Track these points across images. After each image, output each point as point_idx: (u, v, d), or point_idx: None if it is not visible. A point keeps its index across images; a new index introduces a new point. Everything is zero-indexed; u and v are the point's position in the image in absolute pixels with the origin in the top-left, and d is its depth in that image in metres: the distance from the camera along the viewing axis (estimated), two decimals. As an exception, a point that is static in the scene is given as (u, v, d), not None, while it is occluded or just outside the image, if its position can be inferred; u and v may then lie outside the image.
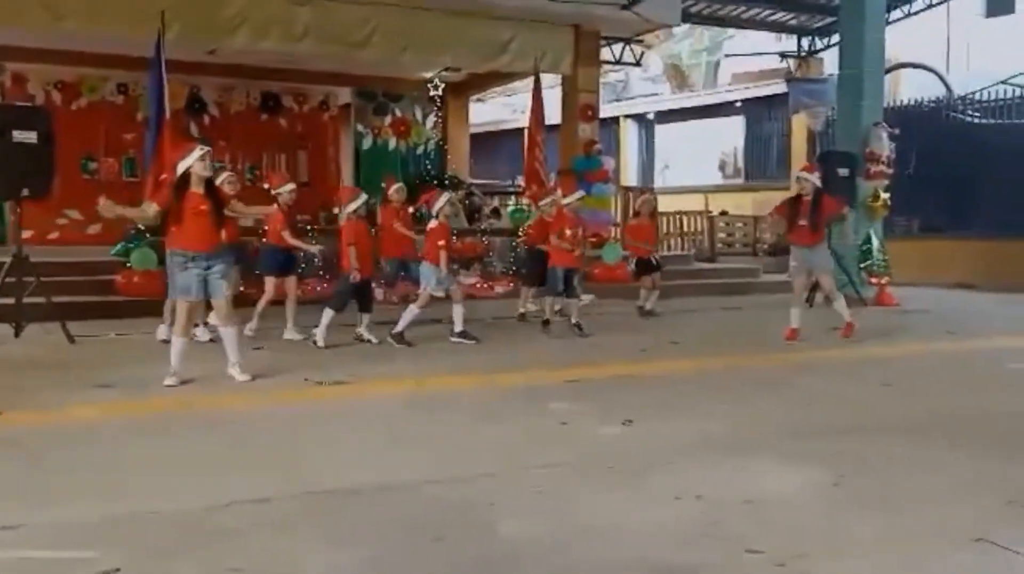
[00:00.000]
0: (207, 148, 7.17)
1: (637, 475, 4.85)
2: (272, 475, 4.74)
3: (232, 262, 8.25)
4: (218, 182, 9.51)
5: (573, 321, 10.02)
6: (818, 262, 9.60)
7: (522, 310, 11.28)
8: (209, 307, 7.85)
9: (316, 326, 9.07)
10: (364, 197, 9.43)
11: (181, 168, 7.04)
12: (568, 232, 9.97)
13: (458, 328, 9.43)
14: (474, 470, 4.91)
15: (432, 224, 9.40)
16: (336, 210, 9.63)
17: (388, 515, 4.19)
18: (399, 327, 9.20)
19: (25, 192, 9.27)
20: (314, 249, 9.48)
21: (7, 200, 10.45)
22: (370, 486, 4.58)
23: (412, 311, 9.27)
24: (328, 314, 9.02)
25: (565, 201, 10.38)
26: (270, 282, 9.63)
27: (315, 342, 8.93)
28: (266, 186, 10.12)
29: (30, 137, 9.07)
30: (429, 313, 9.63)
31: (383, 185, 10.98)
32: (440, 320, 9.87)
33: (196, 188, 7.06)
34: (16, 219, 9.94)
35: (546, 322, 10.16)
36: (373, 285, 10.03)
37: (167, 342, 8.61)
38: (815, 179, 9.57)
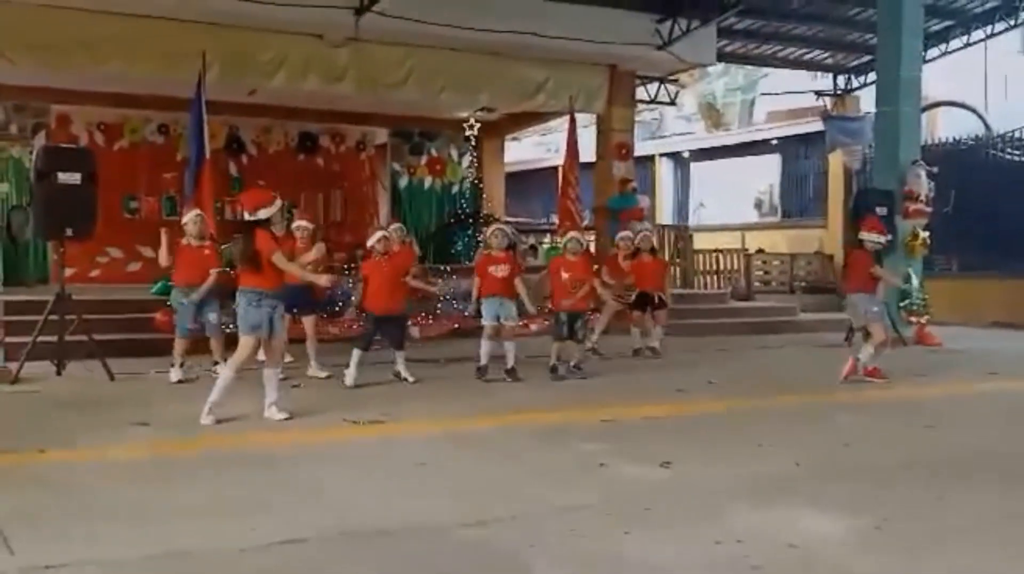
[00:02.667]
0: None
1: (676, 518, 4.79)
2: (308, 515, 4.73)
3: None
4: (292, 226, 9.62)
5: (572, 363, 9.91)
6: (881, 309, 9.72)
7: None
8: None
9: (343, 365, 9.14)
10: (380, 234, 9.47)
11: (263, 215, 7.17)
12: (565, 276, 9.78)
13: (509, 364, 9.49)
14: (509, 512, 4.87)
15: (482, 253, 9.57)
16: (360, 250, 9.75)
17: (423, 558, 4.17)
18: (481, 361, 9.44)
19: (68, 232, 9.41)
20: (323, 279, 9.36)
21: (51, 240, 10.62)
22: (405, 527, 4.56)
23: (484, 345, 9.46)
24: (355, 354, 9.04)
25: (561, 243, 10.35)
26: (306, 322, 9.72)
27: (345, 382, 8.94)
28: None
29: (74, 179, 9.22)
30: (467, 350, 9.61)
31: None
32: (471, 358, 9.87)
33: (277, 230, 7.39)
34: (59, 258, 10.08)
35: (553, 368, 9.84)
36: (408, 323, 10.04)
37: (182, 382, 8.99)
38: (884, 240, 9.81)
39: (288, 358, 9.73)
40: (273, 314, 7.18)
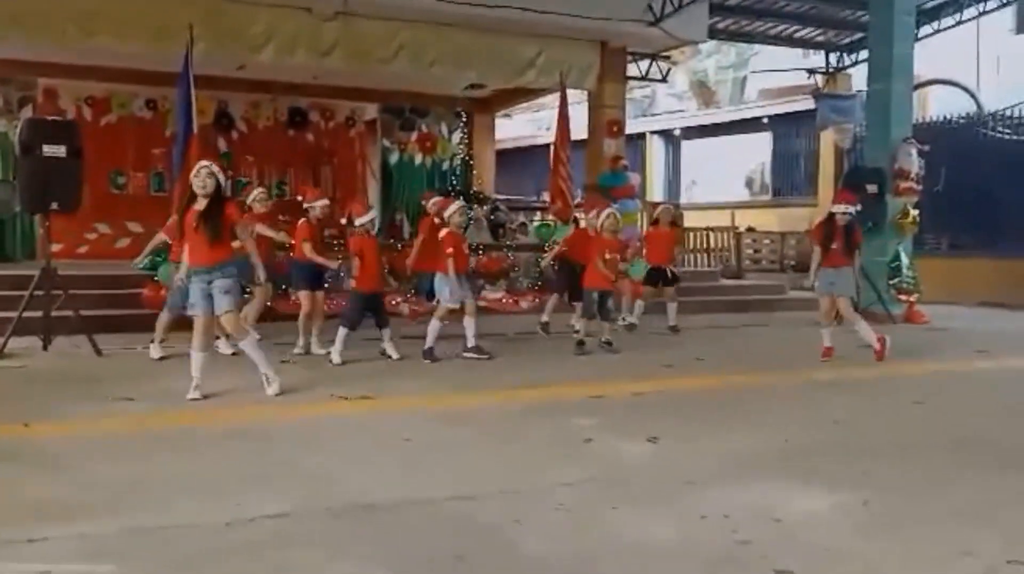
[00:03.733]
0: (205, 164, 7.19)
1: (663, 493, 4.79)
2: (294, 490, 4.72)
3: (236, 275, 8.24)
4: (249, 200, 9.61)
5: (604, 339, 9.94)
6: (841, 285, 9.56)
7: (546, 318, 11.22)
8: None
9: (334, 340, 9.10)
10: (373, 213, 9.44)
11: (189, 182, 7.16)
12: (608, 256, 9.82)
13: (470, 343, 9.37)
14: (496, 487, 4.87)
15: (442, 233, 9.39)
16: (343, 221, 9.65)
17: (410, 532, 4.16)
18: (427, 343, 9.17)
19: (54, 205, 9.33)
20: (333, 265, 9.45)
21: (36, 213, 10.53)
22: (392, 502, 4.55)
23: (434, 325, 9.23)
24: (342, 332, 9.01)
25: (598, 223, 10.16)
26: (305, 296, 9.56)
27: (331, 360, 8.91)
28: (299, 198, 10.16)
29: (59, 151, 9.13)
30: (454, 328, 9.57)
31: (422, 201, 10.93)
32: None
33: (197, 204, 7.10)
34: (45, 232, 10.00)
35: (581, 343, 9.86)
36: (396, 300, 10.00)
37: (163, 359, 8.84)
38: (854, 210, 9.68)
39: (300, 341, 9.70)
40: (210, 290, 7.05)
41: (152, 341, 9.08)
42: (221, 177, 7.22)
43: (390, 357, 9.17)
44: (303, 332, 9.55)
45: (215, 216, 7.09)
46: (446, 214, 9.55)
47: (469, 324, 9.38)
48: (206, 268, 7.06)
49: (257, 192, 9.98)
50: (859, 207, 9.96)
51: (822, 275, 9.66)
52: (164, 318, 9.07)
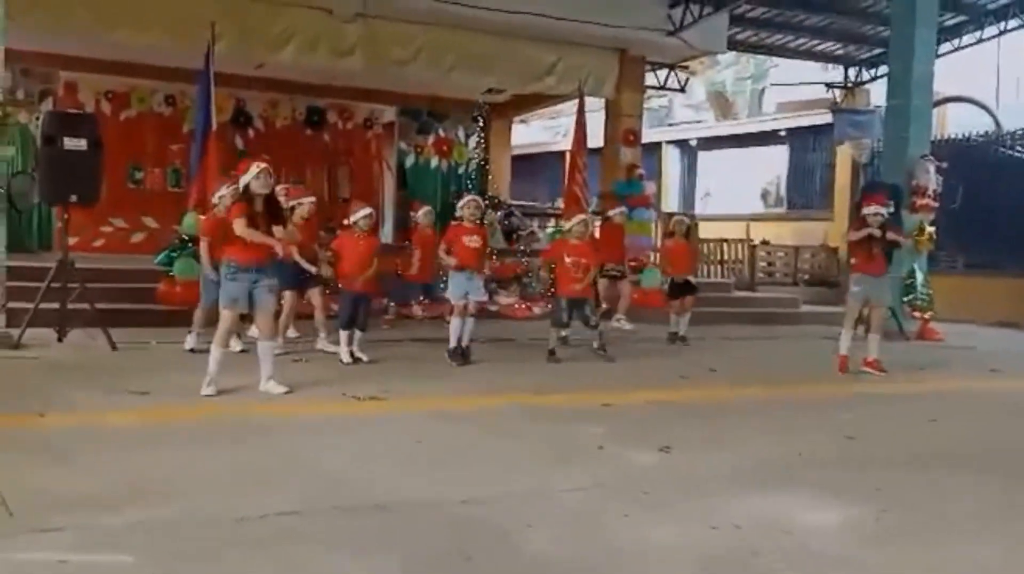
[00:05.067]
0: (264, 166, 7.20)
1: (674, 502, 4.79)
2: (304, 488, 4.73)
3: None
4: (298, 209, 9.51)
5: (595, 346, 9.85)
6: (880, 294, 9.47)
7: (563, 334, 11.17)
8: (247, 319, 7.86)
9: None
10: (367, 210, 9.25)
11: (242, 183, 7.18)
12: (568, 260, 9.62)
13: (464, 342, 9.21)
14: (507, 490, 4.87)
15: (452, 223, 9.43)
16: (345, 222, 9.57)
17: (418, 533, 4.16)
18: (451, 343, 9.13)
19: (73, 198, 9.38)
20: (313, 268, 9.34)
21: (55, 205, 10.61)
22: (400, 503, 4.55)
23: (454, 324, 9.17)
24: (341, 334, 8.97)
25: (566, 226, 10.11)
26: (287, 296, 9.38)
27: (341, 360, 8.88)
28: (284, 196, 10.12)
29: (80, 144, 9.17)
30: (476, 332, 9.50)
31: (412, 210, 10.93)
32: (474, 340, 9.81)
33: (256, 204, 7.13)
34: (63, 225, 10.05)
35: (551, 351, 9.69)
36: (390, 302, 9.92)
37: (194, 352, 8.79)
38: (886, 211, 9.54)
39: (293, 333, 9.73)
40: (253, 288, 7.10)
41: (189, 332, 9.07)
42: (272, 177, 7.27)
43: (359, 359, 8.95)
44: (282, 331, 9.24)
45: (272, 216, 7.17)
46: (458, 207, 9.55)
47: (466, 324, 9.20)
48: (256, 267, 7.11)
49: (308, 203, 9.87)
50: (892, 211, 9.82)
51: (862, 282, 9.41)
52: (200, 314, 9.03)
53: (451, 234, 9.35)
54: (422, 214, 10.68)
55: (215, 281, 7.86)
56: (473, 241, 9.28)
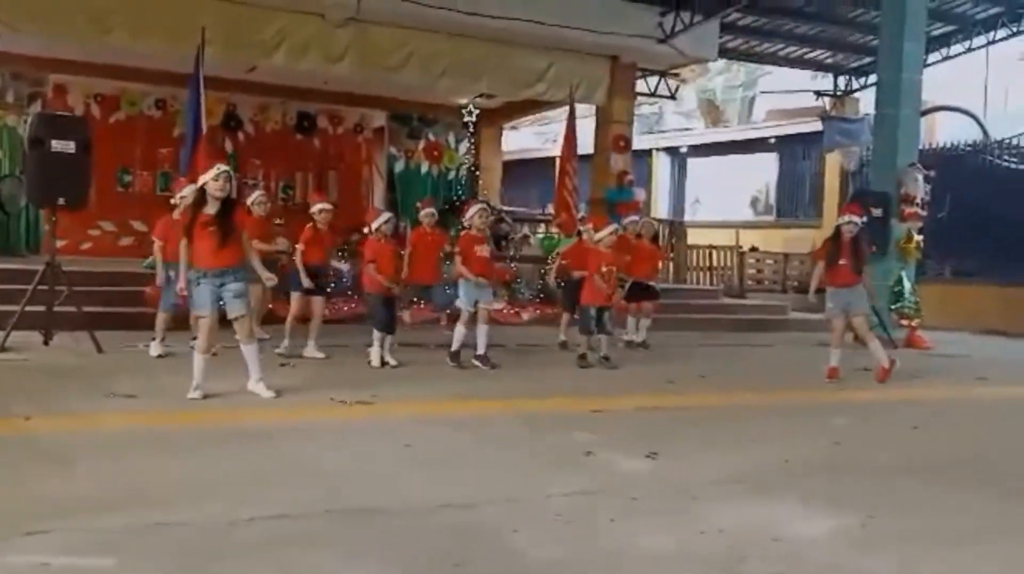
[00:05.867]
0: (225, 168, 7.19)
1: (661, 507, 4.79)
2: (293, 492, 4.71)
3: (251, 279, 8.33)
4: (248, 201, 9.57)
5: (602, 354, 9.87)
6: (856, 303, 9.46)
7: (563, 338, 11.12)
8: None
9: (339, 346, 9.15)
10: (388, 215, 9.41)
11: (200, 181, 7.17)
12: (604, 269, 9.72)
13: (479, 350, 9.33)
14: (496, 495, 4.86)
15: (462, 233, 9.52)
16: (366, 230, 9.60)
17: (409, 537, 4.15)
18: (453, 346, 9.24)
19: (61, 201, 9.33)
20: (307, 281, 9.39)
21: (42, 207, 10.57)
22: (390, 507, 4.54)
23: (458, 330, 9.26)
24: (376, 336, 9.02)
25: (597, 236, 10.06)
26: (295, 299, 9.66)
27: (370, 362, 8.94)
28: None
29: (68, 147, 9.12)
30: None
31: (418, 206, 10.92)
32: (494, 345, 9.80)
33: (210, 207, 7.06)
34: (51, 228, 10.01)
35: (582, 356, 9.81)
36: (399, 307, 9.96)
37: (161, 358, 8.87)
38: (860, 221, 9.56)
39: (262, 334, 9.69)
40: (221, 292, 7.05)
41: (153, 339, 9.10)
42: (233, 181, 7.25)
43: (387, 363, 9.10)
44: (289, 334, 9.53)
45: (228, 219, 7.10)
46: (466, 216, 9.59)
47: (481, 331, 9.35)
48: (218, 271, 7.04)
49: (257, 195, 9.91)
50: (865, 220, 9.88)
51: (834, 296, 9.46)
52: (161, 318, 9.10)
53: (463, 244, 9.41)
54: (424, 214, 10.69)
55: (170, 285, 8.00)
56: (483, 250, 9.41)
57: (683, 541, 4.24)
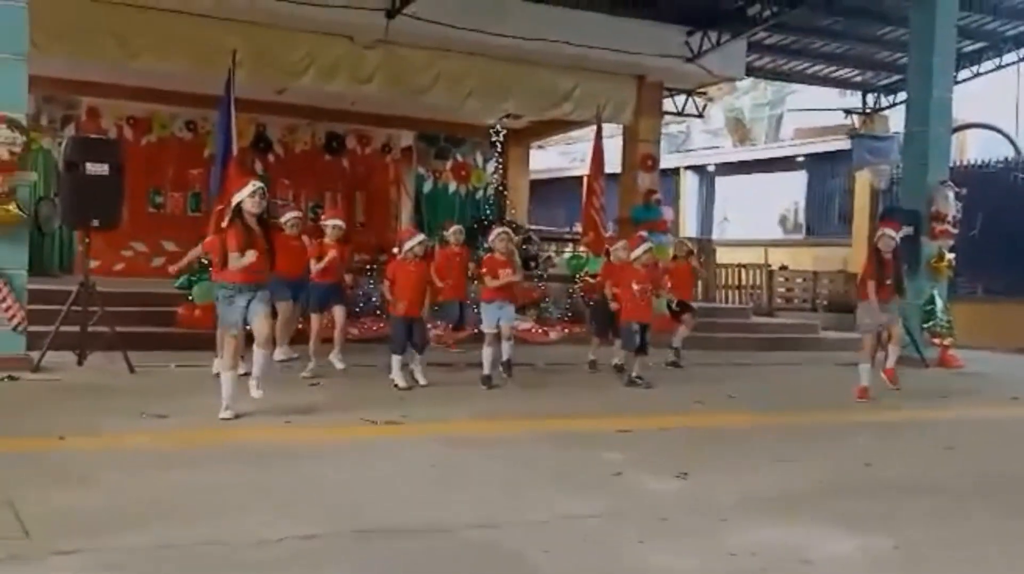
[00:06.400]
0: (260, 185, 7.25)
1: (691, 528, 4.76)
2: (322, 512, 4.73)
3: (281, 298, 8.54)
4: (283, 220, 9.69)
5: (635, 374, 9.77)
6: (893, 314, 9.42)
7: (592, 357, 11.12)
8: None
9: (366, 366, 9.23)
10: (421, 237, 9.39)
11: (235, 200, 7.19)
12: (637, 287, 9.68)
13: (504, 356, 9.42)
14: (521, 516, 4.85)
15: (486, 256, 9.58)
16: (395, 250, 9.66)
17: (436, 558, 4.15)
18: (484, 370, 9.21)
19: (95, 222, 9.47)
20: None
21: (77, 229, 10.69)
22: (418, 527, 4.55)
23: (485, 352, 9.25)
24: (394, 359, 8.97)
25: (633, 255, 9.96)
26: (315, 319, 9.69)
27: (396, 385, 8.83)
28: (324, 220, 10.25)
29: (102, 169, 9.27)
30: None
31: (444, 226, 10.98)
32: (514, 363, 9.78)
33: (249, 222, 7.13)
34: (84, 249, 10.14)
35: (630, 378, 9.78)
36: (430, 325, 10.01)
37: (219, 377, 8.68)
38: (898, 236, 9.51)
39: (292, 353, 9.75)
40: (247, 306, 7.09)
41: (217, 357, 8.78)
42: (267, 198, 7.32)
43: (417, 382, 9.11)
44: (313, 354, 9.48)
45: (266, 236, 7.22)
46: (489, 239, 9.64)
47: (506, 345, 9.40)
48: (251, 286, 7.13)
49: (292, 217, 10.04)
50: (901, 236, 9.79)
51: (871, 311, 9.31)
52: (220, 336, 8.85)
53: (487, 266, 9.47)
54: (451, 232, 10.72)
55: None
56: (507, 273, 9.42)
57: (713, 563, 4.21)
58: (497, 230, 9.84)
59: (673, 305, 11.58)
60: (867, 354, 9.47)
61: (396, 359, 8.97)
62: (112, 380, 8.78)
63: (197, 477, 5.37)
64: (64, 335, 9.21)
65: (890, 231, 9.43)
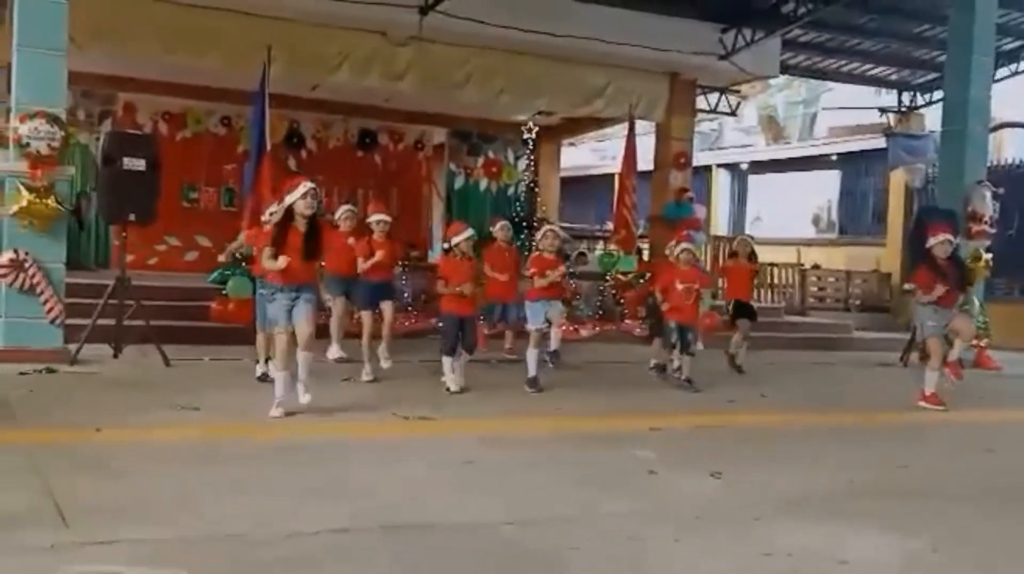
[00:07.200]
0: (312, 185, 7.18)
1: (726, 528, 4.73)
2: (353, 507, 4.74)
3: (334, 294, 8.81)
4: (336, 215, 9.66)
5: (684, 376, 9.57)
6: (952, 319, 9.12)
7: (655, 360, 10.96)
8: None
9: (399, 361, 9.16)
10: (470, 232, 8.85)
11: (287, 202, 7.14)
12: (680, 287, 9.43)
13: (552, 346, 9.35)
14: (554, 514, 4.85)
15: (534, 254, 9.52)
16: (444, 245, 9.32)
17: (466, 554, 4.16)
18: (530, 373, 8.97)
19: (131, 217, 9.56)
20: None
21: (115, 224, 10.79)
22: (448, 523, 4.56)
23: (530, 354, 9.03)
24: (444, 361, 8.62)
25: (674, 254, 9.73)
26: (366, 315, 9.45)
27: (448, 389, 8.48)
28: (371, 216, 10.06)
29: (139, 164, 9.35)
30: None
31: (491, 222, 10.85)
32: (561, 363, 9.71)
33: (298, 224, 7.11)
34: (121, 243, 10.24)
35: (662, 368, 9.87)
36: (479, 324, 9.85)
37: (263, 379, 8.33)
38: (955, 240, 9.33)
39: (341, 353, 9.71)
40: (293, 305, 7.06)
41: (257, 361, 8.66)
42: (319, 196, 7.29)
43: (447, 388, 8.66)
44: (367, 357, 9.10)
45: (316, 237, 7.19)
46: (537, 238, 9.60)
47: (554, 334, 9.38)
48: (295, 286, 7.10)
49: (345, 209, 9.87)
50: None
51: (934, 315, 9.02)
52: (261, 339, 8.50)
53: (535, 265, 9.40)
54: (499, 228, 10.62)
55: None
56: (557, 272, 9.38)
57: (748, 564, 4.19)
58: (545, 228, 9.80)
59: (729, 307, 11.29)
60: (937, 358, 9.02)
61: (447, 361, 8.58)
62: (147, 373, 8.87)
63: (231, 471, 5.40)
64: (101, 328, 9.32)
65: (948, 236, 9.21)
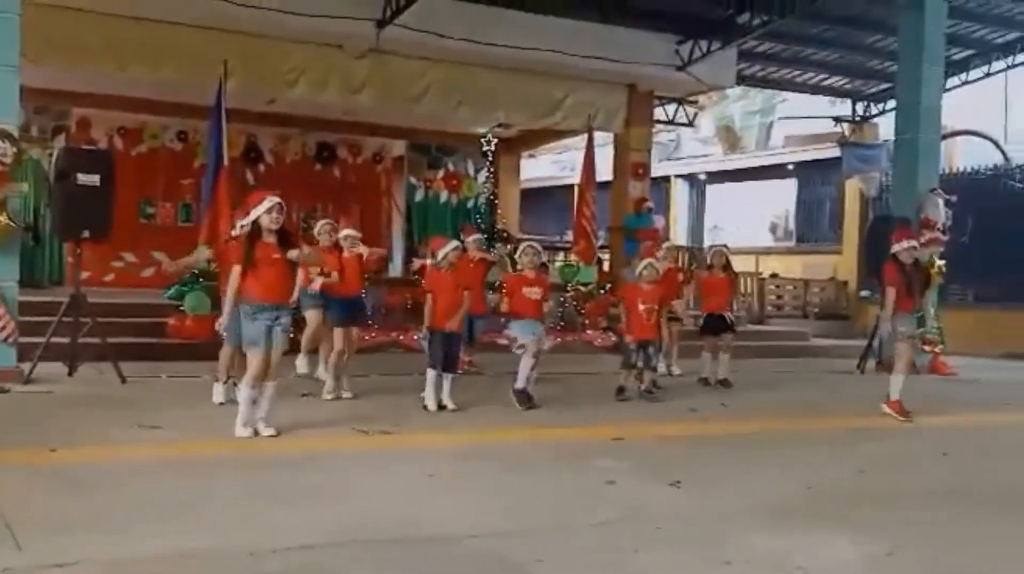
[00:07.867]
0: (276, 200, 6.96)
1: (685, 537, 4.76)
2: (316, 522, 4.71)
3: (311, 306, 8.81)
4: (315, 231, 9.47)
5: (643, 387, 9.56)
6: (916, 326, 9.30)
7: (677, 370, 10.77)
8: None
9: (358, 376, 9.07)
10: (456, 243, 8.72)
11: (252, 217, 6.93)
12: (643, 307, 9.36)
13: (518, 384, 8.77)
14: (518, 525, 4.85)
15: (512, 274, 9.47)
16: (428, 259, 9.06)
17: (432, 567, 4.15)
18: (518, 384, 8.75)
19: (86, 233, 9.44)
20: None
21: (69, 240, 10.65)
22: (414, 537, 4.54)
23: (524, 363, 8.76)
24: (429, 374, 8.45)
25: (637, 271, 9.66)
26: (338, 333, 8.98)
27: (425, 406, 8.30)
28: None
29: (93, 180, 9.24)
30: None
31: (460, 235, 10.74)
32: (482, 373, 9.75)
33: (267, 238, 6.93)
34: (75, 260, 10.10)
35: (620, 389, 9.50)
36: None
37: (223, 405, 8.01)
38: (918, 244, 9.50)
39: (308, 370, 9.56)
40: (273, 326, 6.87)
41: (216, 379, 8.29)
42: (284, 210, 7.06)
43: (445, 407, 8.37)
44: (332, 374, 8.89)
45: (284, 247, 6.96)
46: (517, 255, 9.40)
47: (524, 365, 8.79)
48: (275, 305, 6.91)
49: (323, 224, 9.60)
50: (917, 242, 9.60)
51: (904, 320, 9.05)
52: (227, 352, 8.10)
53: (510, 285, 9.11)
54: (472, 241, 10.44)
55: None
56: (533, 292, 8.85)
57: (708, 571, 4.21)
58: (523, 244, 9.46)
59: (700, 320, 11.19)
60: (905, 364, 9.05)
61: (431, 375, 8.34)
62: (103, 391, 8.75)
63: (192, 488, 5.34)
64: (55, 346, 9.18)
65: (915, 242, 9.31)
